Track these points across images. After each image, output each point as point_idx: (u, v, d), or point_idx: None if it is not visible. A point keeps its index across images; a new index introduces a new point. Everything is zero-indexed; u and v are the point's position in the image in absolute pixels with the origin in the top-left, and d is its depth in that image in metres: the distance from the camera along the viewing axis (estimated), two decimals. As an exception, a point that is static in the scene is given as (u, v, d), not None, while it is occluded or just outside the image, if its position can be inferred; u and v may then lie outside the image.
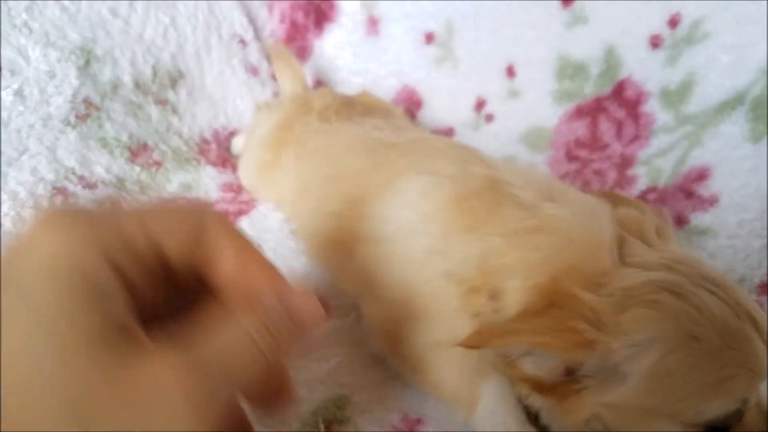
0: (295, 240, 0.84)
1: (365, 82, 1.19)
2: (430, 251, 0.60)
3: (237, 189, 0.98)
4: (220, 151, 1.06)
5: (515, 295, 0.52)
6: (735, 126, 0.87)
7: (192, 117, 1.05)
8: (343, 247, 0.69)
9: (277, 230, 0.86)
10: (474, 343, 0.50)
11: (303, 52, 1.25)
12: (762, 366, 0.49)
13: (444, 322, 0.58)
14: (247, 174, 0.98)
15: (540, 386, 0.52)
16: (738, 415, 0.49)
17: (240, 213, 0.90)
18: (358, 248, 0.67)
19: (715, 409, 0.48)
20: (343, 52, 1.23)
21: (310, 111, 0.91)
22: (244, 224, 0.88)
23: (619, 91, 0.97)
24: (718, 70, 0.89)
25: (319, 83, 1.25)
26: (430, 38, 1.14)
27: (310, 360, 0.66)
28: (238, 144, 1.08)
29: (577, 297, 0.48)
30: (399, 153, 0.72)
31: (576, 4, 1.01)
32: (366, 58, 1.21)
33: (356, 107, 0.93)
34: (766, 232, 0.79)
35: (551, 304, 0.50)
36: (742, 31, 0.88)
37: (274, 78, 1.21)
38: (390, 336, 0.63)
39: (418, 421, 0.61)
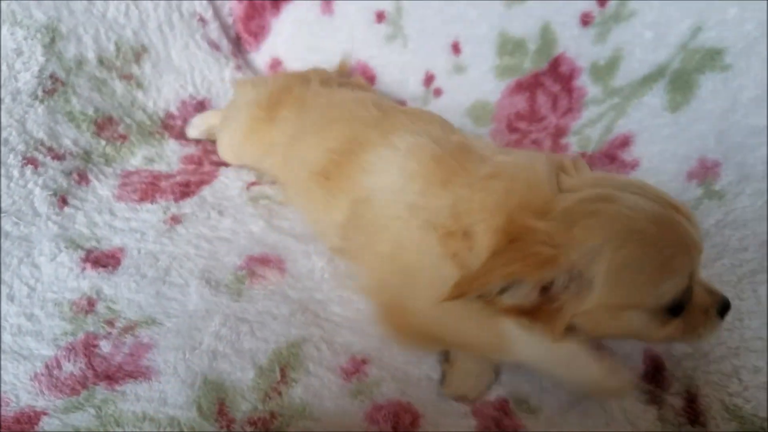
0: (254, 206, 0.91)
1: (321, 60, 1.25)
2: (413, 207, 0.69)
3: (198, 161, 1.04)
4: (184, 125, 1.11)
5: (483, 236, 0.61)
6: (656, 97, 0.94)
7: (157, 91, 1.10)
8: (333, 184, 0.78)
9: (236, 197, 0.93)
10: (457, 294, 0.58)
11: (261, 31, 1.30)
12: (695, 241, 0.59)
13: (432, 271, 0.66)
14: (229, 139, 1.02)
15: (523, 312, 0.60)
16: (688, 292, 0.59)
17: (201, 183, 0.96)
18: (347, 191, 0.76)
19: (670, 288, 0.58)
20: (300, 31, 1.27)
21: (308, 80, 0.99)
22: (206, 193, 0.93)
23: (554, 66, 1.04)
24: (642, 46, 0.95)
25: (277, 61, 1.30)
26: (381, 17, 1.19)
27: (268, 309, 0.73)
28: (197, 125, 1.12)
29: (531, 227, 0.58)
30: (397, 114, 0.83)
31: None
32: (322, 36, 1.26)
33: (351, 84, 1.03)
34: (680, 191, 0.88)
35: (512, 240, 0.58)
36: (663, 10, 0.94)
37: (234, 54, 1.26)
38: (392, 311, 0.70)
39: (363, 362, 0.69)
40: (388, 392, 0.65)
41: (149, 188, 0.92)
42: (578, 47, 1.02)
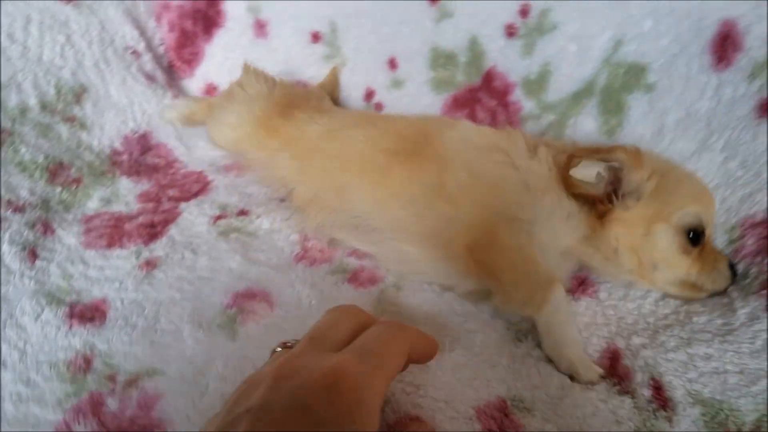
0: (225, 241, 0.92)
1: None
2: (490, 149, 0.87)
3: (156, 198, 1.04)
4: (131, 162, 1.11)
5: (545, 154, 0.84)
6: (590, 117, 1.01)
7: (100, 129, 1.10)
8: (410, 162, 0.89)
9: (206, 234, 0.93)
10: (572, 162, 0.79)
11: (194, 58, 1.31)
12: (712, 201, 0.83)
13: (514, 195, 0.82)
14: (234, 122, 1.11)
15: (588, 198, 0.80)
16: (705, 232, 0.79)
17: (166, 222, 0.96)
18: (426, 167, 0.88)
19: (695, 212, 0.78)
20: (233, 54, 1.30)
21: (323, 96, 1.15)
22: (174, 232, 0.94)
23: (488, 81, 1.10)
24: (568, 59, 1.02)
25: (212, 86, 1.31)
26: (316, 37, 1.23)
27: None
28: (178, 107, 1.20)
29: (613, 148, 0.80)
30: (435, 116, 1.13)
31: (441, 3, 1.13)
32: (257, 58, 1.27)
33: None
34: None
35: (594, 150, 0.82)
36: (583, 21, 1.00)
37: (169, 84, 1.26)
38: (479, 245, 0.80)
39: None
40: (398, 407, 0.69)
41: (114, 232, 0.93)
42: (507, 60, 1.09)
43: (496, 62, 1.09)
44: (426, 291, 0.85)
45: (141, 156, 1.13)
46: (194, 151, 1.19)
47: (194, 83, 1.33)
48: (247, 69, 1.16)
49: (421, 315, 0.81)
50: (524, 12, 1.06)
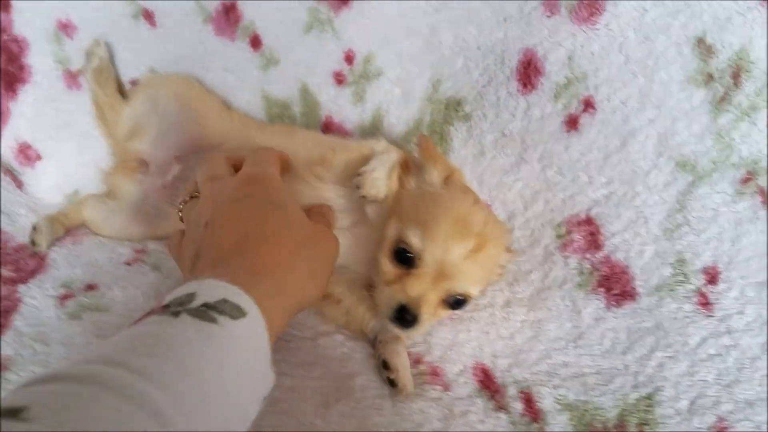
0: (77, 323, 0.87)
1: (73, 133, 1.22)
2: None
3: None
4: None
5: None
6: None
7: None
8: None
9: (56, 319, 0.88)
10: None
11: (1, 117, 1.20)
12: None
13: None
14: None
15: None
16: (420, 259, 0.81)
17: (8, 311, 0.88)
18: None
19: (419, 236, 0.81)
20: (45, 109, 1.22)
21: None
22: (18, 323, 0.86)
23: (327, 132, 1.13)
24: (395, 103, 1.08)
25: (26, 145, 1.22)
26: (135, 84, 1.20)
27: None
28: None
29: None
30: None
31: (264, 48, 1.12)
32: (71, 110, 1.22)
33: None
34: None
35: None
36: (404, 66, 1.06)
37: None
38: None
39: None
40: None
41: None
42: (341, 110, 1.12)
43: (331, 111, 1.13)
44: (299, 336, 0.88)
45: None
46: (17, 220, 1.11)
47: (4, 143, 1.22)
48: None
49: (299, 363, 0.83)
50: (349, 58, 1.09)
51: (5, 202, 1.12)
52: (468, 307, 0.88)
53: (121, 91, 1.21)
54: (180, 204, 0.81)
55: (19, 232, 1.08)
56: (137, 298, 0.93)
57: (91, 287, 0.95)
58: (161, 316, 0.50)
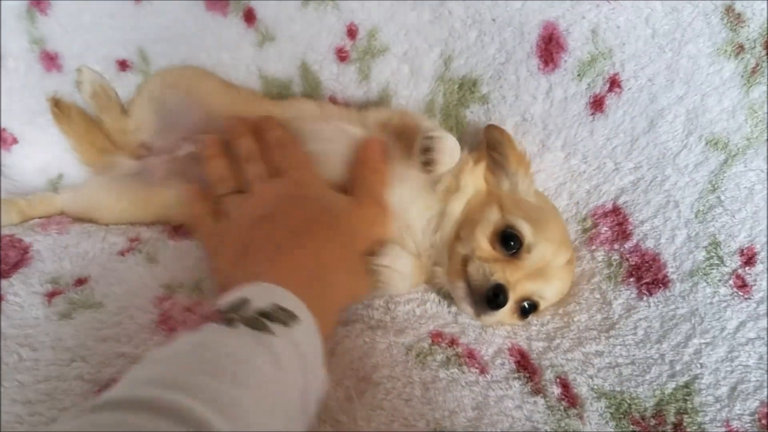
0: (68, 323, 0.79)
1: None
2: None
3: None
4: None
5: None
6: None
7: None
8: None
9: (44, 320, 0.79)
10: None
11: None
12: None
13: None
14: None
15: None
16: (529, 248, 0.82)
17: None
18: None
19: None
20: (22, 95, 1.12)
21: None
22: (2, 326, 0.77)
23: None
24: (404, 82, 1.01)
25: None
26: (124, 65, 1.11)
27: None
28: None
29: None
30: None
31: (259, 23, 1.03)
32: (53, 93, 1.13)
33: None
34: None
35: None
36: (411, 41, 0.98)
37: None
38: None
39: None
40: None
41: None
42: (345, 89, 1.05)
43: (335, 90, 1.05)
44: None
45: None
46: (-7, 206, 1.02)
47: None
48: None
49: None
50: (351, 33, 1.01)
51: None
52: (530, 317, 0.87)
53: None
54: (222, 196, 0.85)
55: (-2, 221, 0.98)
56: (133, 293, 0.84)
57: (81, 281, 0.86)
58: (217, 324, 0.51)
